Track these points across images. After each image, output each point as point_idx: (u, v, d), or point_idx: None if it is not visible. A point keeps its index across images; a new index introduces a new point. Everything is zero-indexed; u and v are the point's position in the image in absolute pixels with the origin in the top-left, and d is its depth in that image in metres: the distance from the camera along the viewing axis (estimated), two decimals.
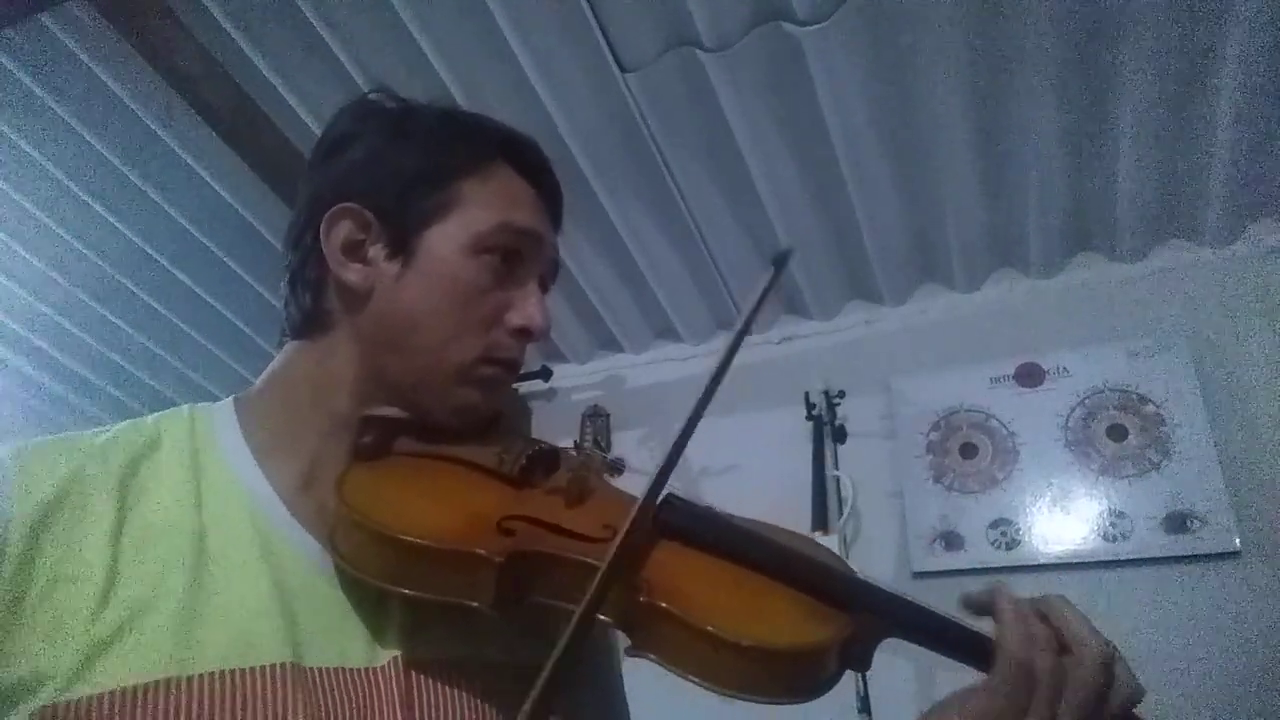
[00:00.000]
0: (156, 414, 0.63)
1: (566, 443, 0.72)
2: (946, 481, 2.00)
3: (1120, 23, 1.49)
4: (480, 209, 0.64)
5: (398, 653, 0.57)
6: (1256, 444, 1.76)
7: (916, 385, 2.11)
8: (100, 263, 2.35)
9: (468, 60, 1.70)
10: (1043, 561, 1.85)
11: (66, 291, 2.45)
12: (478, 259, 0.63)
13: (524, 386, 2.56)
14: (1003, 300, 2.12)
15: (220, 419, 0.63)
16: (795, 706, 0.53)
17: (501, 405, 0.68)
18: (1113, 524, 1.81)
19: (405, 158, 0.64)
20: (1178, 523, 1.75)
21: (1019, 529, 1.89)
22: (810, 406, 2.16)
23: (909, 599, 0.58)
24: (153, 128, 1.97)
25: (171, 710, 0.48)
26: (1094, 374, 1.93)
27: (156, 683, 0.48)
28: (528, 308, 0.65)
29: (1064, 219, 1.94)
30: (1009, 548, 1.89)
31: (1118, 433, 1.87)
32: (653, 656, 0.52)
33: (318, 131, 0.70)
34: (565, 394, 2.62)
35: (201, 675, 0.49)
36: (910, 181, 1.88)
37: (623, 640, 0.54)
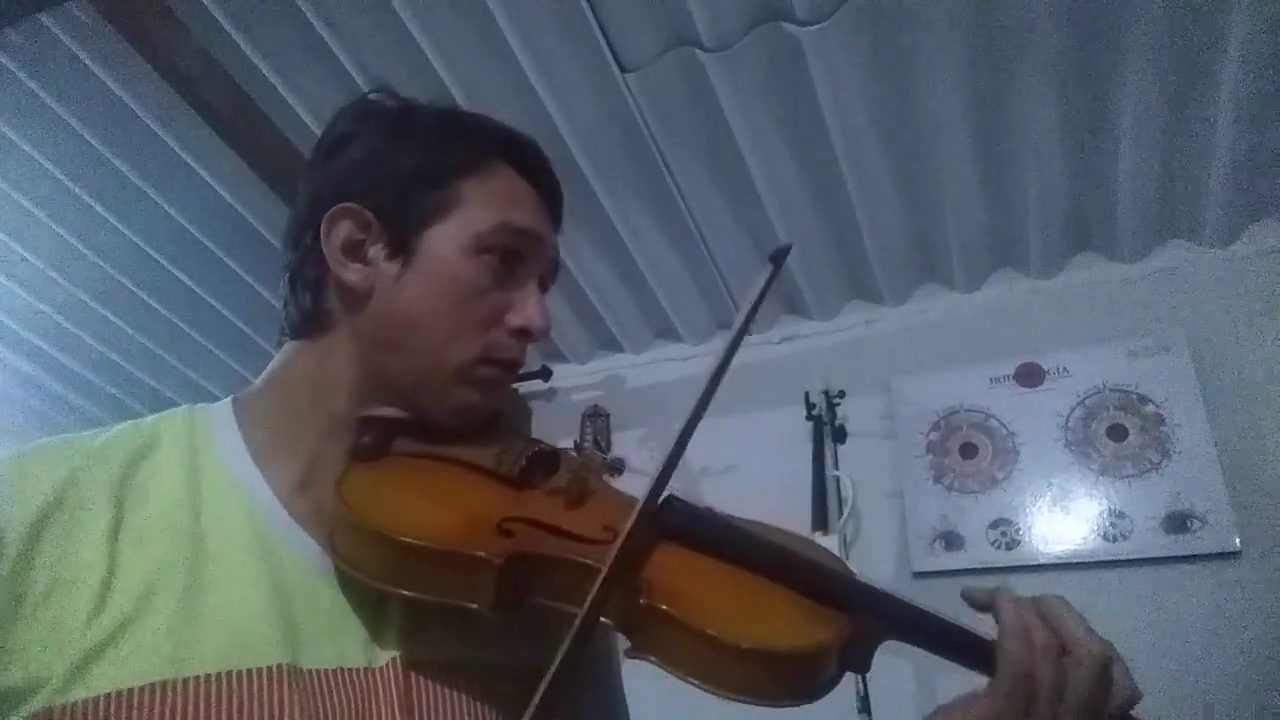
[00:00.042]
0: (155, 415, 0.63)
1: (566, 443, 0.72)
2: (946, 481, 2.00)
3: (1120, 22, 1.49)
4: (480, 209, 0.63)
5: (396, 654, 0.56)
6: (1256, 444, 1.76)
7: (916, 385, 2.11)
8: (100, 263, 2.35)
9: (468, 60, 1.70)
10: (1043, 562, 1.85)
11: (66, 291, 2.45)
12: (477, 259, 0.63)
13: (524, 386, 2.56)
14: (1003, 300, 2.12)
15: (219, 419, 0.63)
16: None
17: (501, 405, 0.68)
18: (1113, 524, 1.81)
19: (405, 157, 0.64)
20: (1178, 523, 1.75)
21: (1019, 529, 1.89)
22: (810, 406, 2.16)
23: (909, 601, 0.58)
24: (153, 128, 1.97)
25: (167, 713, 0.48)
26: (1094, 374, 1.93)
27: (153, 685, 0.48)
28: (527, 308, 0.65)
29: (1064, 219, 1.94)
30: (1009, 548, 1.89)
31: (1118, 433, 1.87)
32: (653, 659, 0.52)
33: (318, 131, 0.70)
34: (565, 394, 2.62)
35: (198, 677, 0.49)
36: (910, 181, 1.88)
37: (622, 642, 0.54)
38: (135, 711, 0.47)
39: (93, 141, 2.00)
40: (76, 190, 2.13)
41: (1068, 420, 1.92)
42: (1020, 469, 1.94)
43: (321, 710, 0.52)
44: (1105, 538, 1.81)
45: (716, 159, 1.87)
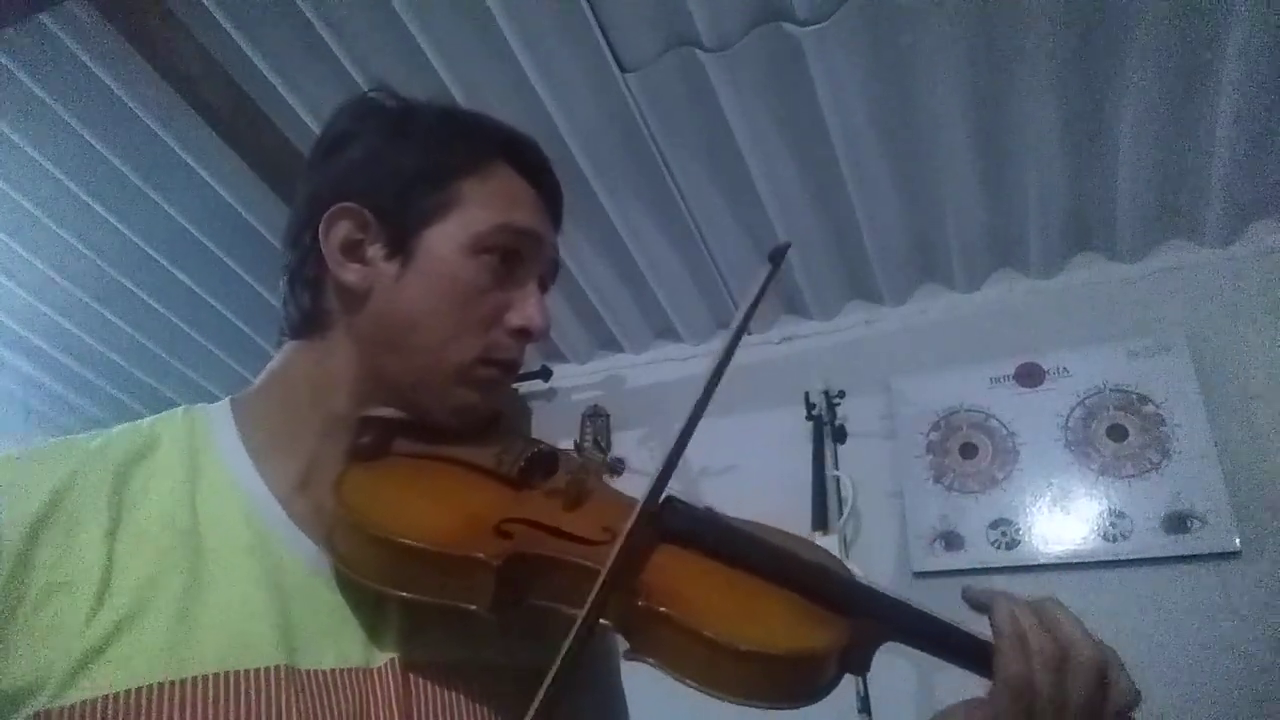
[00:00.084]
0: (153, 416, 0.62)
1: (566, 443, 0.72)
2: (946, 481, 2.00)
3: (1120, 22, 1.49)
4: (480, 209, 0.63)
5: (395, 655, 0.56)
6: (1256, 444, 1.76)
7: (916, 385, 2.11)
8: (100, 263, 2.35)
9: (468, 60, 1.70)
10: (1043, 562, 1.85)
11: (66, 291, 2.45)
12: (477, 259, 0.63)
13: (524, 386, 2.55)
14: (1003, 300, 2.12)
15: (217, 420, 0.63)
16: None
17: (501, 405, 0.68)
18: (1113, 524, 1.81)
19: (404, 157, 0.64)
20: (1178, 523, 1.75)
21: (1019, 529, 1.89)
22: (810, 406, 2.16)
23: (909, 604, 0.58)
24: (153, 128, 1.97)
25: (165, 714, 0.48)
26: (1094, 374, 1.93)
27: (151, 686, 0.48)
28: (527, 308, 0.65)
29: (1064, 219, 1.94)
30: (1009, 548, 1.89)
31: (1118, 433, 1.87)
32: (652, 660, 0.52)
33: (318, 131, 0.69)
34: (565, 394, 2.62)
35: (196, 678, 0.49)
36: (910, 181, 1.88)
37: (621, 644, 0.54)
38: (134, 712, 0.47)
39: (93, 141, 2.00)
40: (76, 190, 2.13)
41: (1068, 420, 1.92)
42: (1020, 469, 1.93)
43: (320, 711, 0.52)
44: (1105, 538, 1.80)
45: (716, 159, 1.87)
